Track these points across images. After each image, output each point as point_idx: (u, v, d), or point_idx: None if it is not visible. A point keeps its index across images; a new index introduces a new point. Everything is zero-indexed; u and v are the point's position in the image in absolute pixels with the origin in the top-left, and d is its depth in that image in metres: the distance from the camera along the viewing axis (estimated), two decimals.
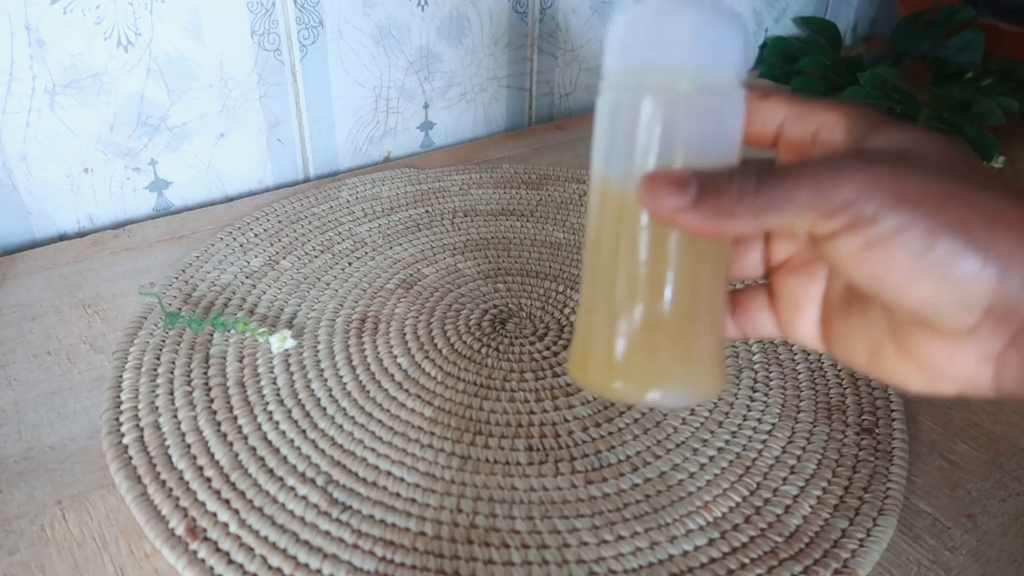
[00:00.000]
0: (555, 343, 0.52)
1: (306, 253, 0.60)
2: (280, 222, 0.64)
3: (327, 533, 0.38)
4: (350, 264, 0.59)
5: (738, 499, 0.41)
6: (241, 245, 0.60)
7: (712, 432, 0.45)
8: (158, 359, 0.48)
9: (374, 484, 0.41)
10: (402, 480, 0.41)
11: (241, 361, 0.49)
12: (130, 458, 0.42)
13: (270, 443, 0.43)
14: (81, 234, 0.65)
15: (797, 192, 0.21)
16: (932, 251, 0.20)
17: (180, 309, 0.53)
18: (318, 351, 0.50)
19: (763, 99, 0.26)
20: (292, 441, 0.43)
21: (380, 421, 0.45)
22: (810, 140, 0.25)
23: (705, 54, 0.24)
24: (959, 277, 0.20)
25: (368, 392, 0.47)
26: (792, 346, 0.52)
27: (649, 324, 0.25)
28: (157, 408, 0.45)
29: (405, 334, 0.52)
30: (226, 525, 0.38)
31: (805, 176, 0.21)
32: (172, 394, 0.46)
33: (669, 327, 0.25)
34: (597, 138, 0.26)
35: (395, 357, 0.50)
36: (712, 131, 0.24)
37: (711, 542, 0.39)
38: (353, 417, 0.45)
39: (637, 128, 0.24)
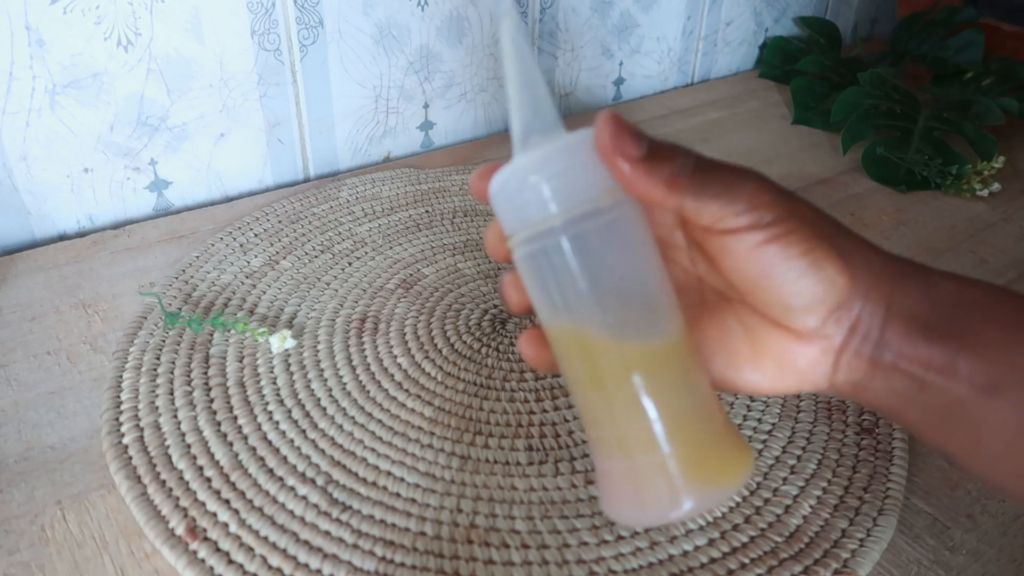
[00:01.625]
0: None
1: (306, 253, 0.60)
2: (280, 222, 0.64)
3: (327, 533, 0.38)
4: (350, 264, 0.59)
5: (738, 499, 0.41)
6: (241, 245, 0.60)
7: None
8: (158, 359, 0.48)
9: (374, 484, 0.41)
10: (402, 480, 0.41)
11: (241, 361, 0.49)
12: (130, 458, 0.42)
13: (270, 443, 0.43)
14: (81, 234, 0.65)
15: (721, 185, 0.25)
16: (811, 253, 0.25)
17: (180, 309, 0.53)
18: (318, 351, 0.50)
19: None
20: (292, 441, 0.43)
21: (380, 421, 0.45)
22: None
23: (566, 190, 0.25)
24: (826, 275, 0.26)
25: (368, 392, 0.47)
26: None
27: (676, 437, 0.25)
28: (157, 408, 0.45)
29: (405, 334, 0.52)
30: (226, 525, 0.38)
31: (728, 176, 0.25)
32: (172, 394, 0.46)
33: (692, 430, 0.25)
34: (531, 294, 0.27)
35: (395, 357, 0.50)
36: (619, 242, 0.25)
37: (711, 542, 0.39)
38: (353, 417, 0.45)
39: (554, 276, 0.25)
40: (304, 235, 0.62)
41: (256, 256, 0.59)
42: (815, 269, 0.25)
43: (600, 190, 0.25)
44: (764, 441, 0.45)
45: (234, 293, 0.55)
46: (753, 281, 0.26)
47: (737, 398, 0.48)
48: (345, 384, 0.48)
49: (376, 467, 0.42)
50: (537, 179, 0.25)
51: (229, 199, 0.70)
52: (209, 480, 0.41)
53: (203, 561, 0.37)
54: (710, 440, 0.26)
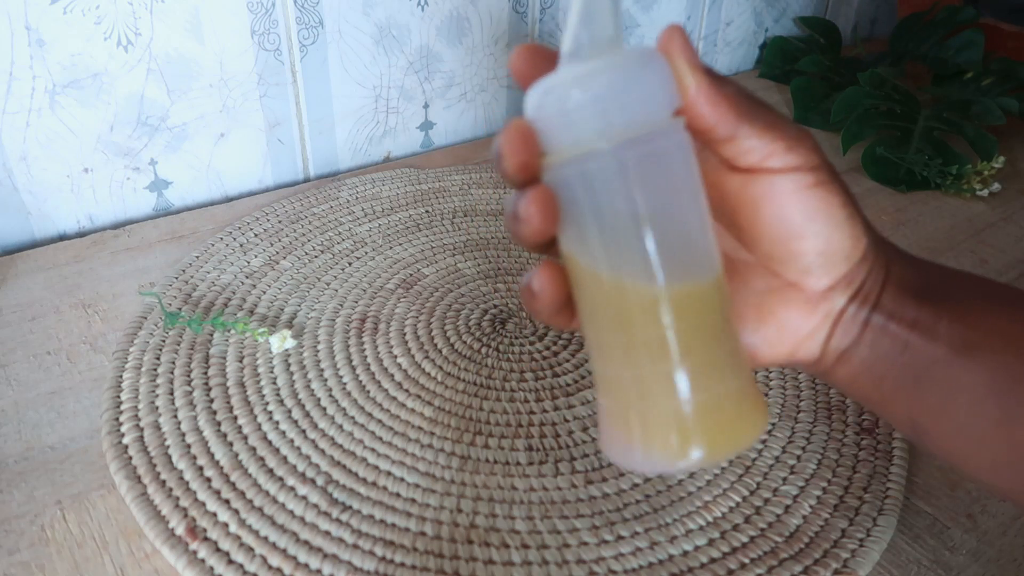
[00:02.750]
0: (555, 343, 0.52)
1: (306, 253, 0.60)
2: (280, 222, 0.64)
3: (327, 533, 0.38)
4: (350, 264, 0.59)
5: (738, 499, 0.41)
6: (241, 245, 0.60)
7: None
8: (158, 359, 0.48)
9: (374, 484, 0.41)
10: (402, 480, 0.41)
11: (241, 361, 0.49)
12: (130, 458, 0.42)
13: (270, 443, 0.43)
14: (81, 234, 0.65)
15: (770, 121, 0.25)
16: (848, 206, 0.26)
17: (180, 309, 0.53)
18: (318, 351, 0.50)
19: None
20: (292, 441, 0.43)
21: (380, 421, 0.45)
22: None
23: (621, 111, 0.23)
24: (856, 231, 0.26)
25: (368, 392, 0.47)
26: None
27: (697, 385, 0.24)
28: (157, 408, 0.45)
29: (405, 334, 0.52)
30: (226, 525, 0.38)
31: (773, 115, 0.26)
32: (172, 394, 0.46)
33: (714, 380, 0.25)
34: (563, 221, 0.25)
35: (395, 357, 0.50)
36: (670, 173, 0.24)
37: (711, 542, 0.39)
38: (353, 417, 0.45)
39: (597, 203, 0.24)
40: (304, 235, 0.62)
41: (256, 256, 0.59)
42: (850, 223, 0.26)
43: (658, 115, 0.24)
44: (764, 441, 0.45)
45: (234, 293, 0.55)
46: (789, 228, 0.26)
47: None
48: (345, 384, 0.48)
49: (376, 467, 0.42)
50: (590, 95, 0.23)
51: (229, 199, 0.70)
52: (209, 480, 0.41)
53: (203, 561, 0.37)
54: (730, 393, 0.25)
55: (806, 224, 0.26)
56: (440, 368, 0.49)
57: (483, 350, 0.51)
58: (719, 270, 0.25)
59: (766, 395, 0.48)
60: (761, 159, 0.25)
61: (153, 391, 0.46)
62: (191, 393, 0.46)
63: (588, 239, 0.24)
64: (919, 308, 0.27)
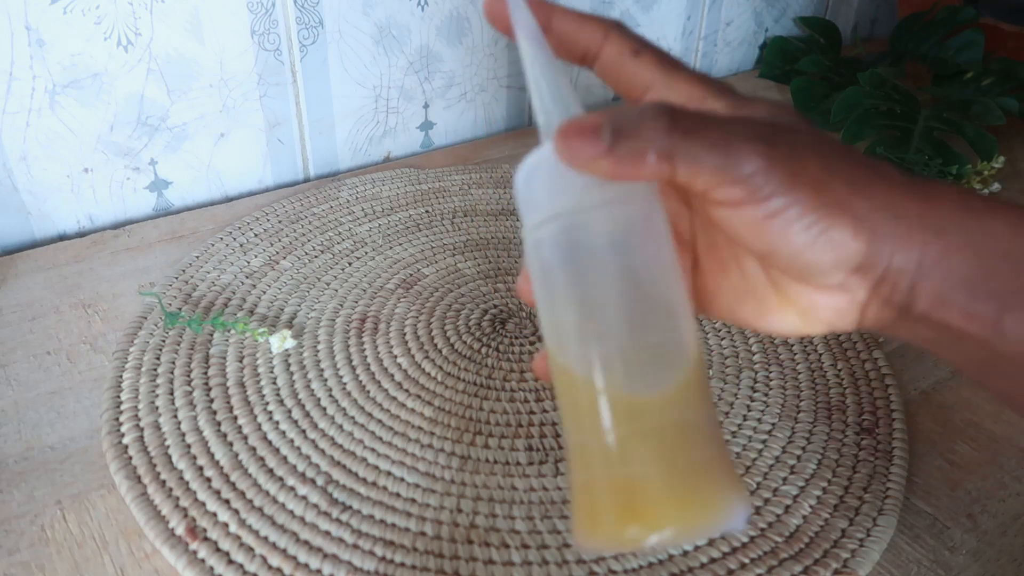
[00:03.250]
0: None
1: (306, 253, 0.60)
2: (280, 222, 0.64)
3: (327, 533, 0.38)
4: (350, 264, 0.59)
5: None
6: (241, 245, 0.60)
7: None
8: (158, 359, 0.48)
9: (374, 484, 0.41)
10: (402, 480, 0.41)
11: (241, 361, 0.49)
12: (130, 458, 0.42)
13: (270, 443, 0.43)
14: (81, 234, 0.65)
15: (712, 149, 0.23)
16: (817, 224, 0.23)
17: (180, 309, 0.53)
18: (318, 351, 0.50)
19: (635, 55, 0.26)
20: (292, 441, 0.43)
21: (380, 421, 0.45)
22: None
23: (566, 184, 0.23)
24: (837, 243, 0.24)
25: (368, 392, 0.47)
26: (792, 346, 0.52)
27: (638, 475, 0.23)
28: (157, 408, 0.45)
29: (405, 334, 0.52)
30: (226, 525, 0.38)
31: (719, 137, 0.23)
32: (172, 394, 0.46)
33: (660, 467, 0.23)
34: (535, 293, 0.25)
35: (395, 357, 0.50)
36: (619, 242, 0.24)
37: (711, 542, 0.39)
38: (353, 417, 0.45)
39: (543, 274, 0.24)
40: (304, 235, 0.62)
41: (256, 256, 0.59)
42: (824, 239, 0.24)
43: (588, 192, 0.23)
44: (764, 441, 0.45)
45: (234, 293, 0.55)
46: (760, 251, 0.25)
47: (737, 398, 0.48)
48: (345, 384, 0.48)
49: (376, 467, 0.42)
50: (523, 177, 0.24)
51: (229, 199, 0.70)
52: (209, 480, 0.41)
53: (203, 561, 0.37)
54: (709, 467, 0.23)
55: (768, 250, 0.24)
56: (440, 368, 0.49)
57: (483, 350, 0.51)
58: (686, 365, 0.23)
59: (766, 395, 0.48)
60: (706, 189, 0.23)
61: (153, 391, 0.46)
62: (191, 393, 0.46)
63: (541, 315, 0.25)
64: (973, 302, 0.24)
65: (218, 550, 0.37)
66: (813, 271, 0.25)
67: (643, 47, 0.26)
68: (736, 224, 0.24)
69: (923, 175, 0.75)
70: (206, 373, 0.48)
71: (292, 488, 0.40)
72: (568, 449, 0.24)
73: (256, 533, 0.38)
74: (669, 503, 0.23)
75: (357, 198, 0.68)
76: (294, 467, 0.42)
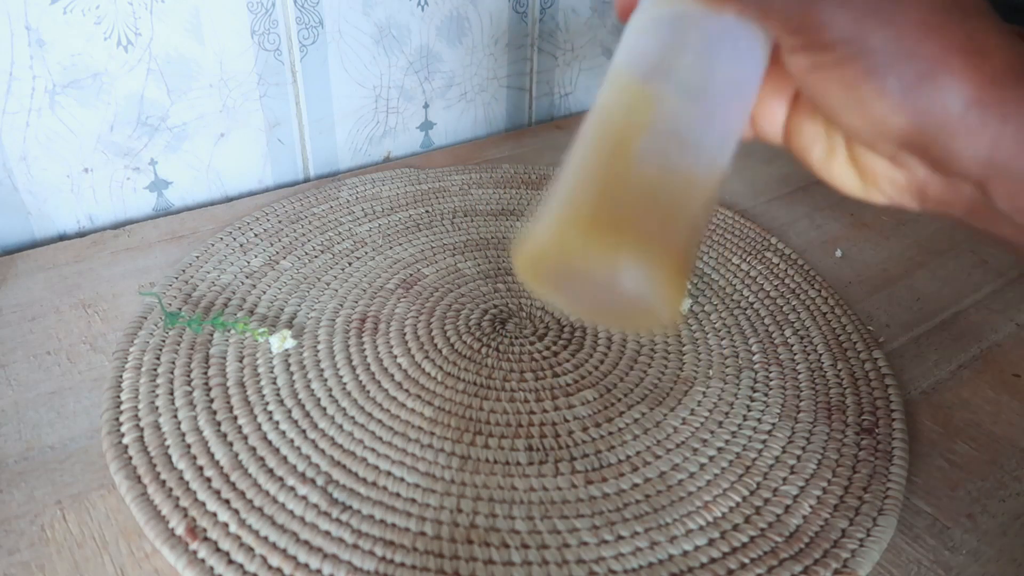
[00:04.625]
0: (555, 343, 0.52)
1: (306, 253, 0.60)
2: (280, 222, 0.64)
3: (327, 533, 0.38)
4: (350, 264, 0.59)
5: (738, 499, 0.41)
6: (241, 245, 0.60)
7: (712, 432, 0.45)
8: (158, 359, 0.48)
9: (374, 484, 0.41)
10: (402, 480, 0.41)
11: (241, 361, 0.49)
12: (130, 458, 0.42)
13: (270, 443, 0.43)
14: (81, 234, 0.65)
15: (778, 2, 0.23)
16: (861, 86, 0.22)
17: (180, 309, 0.53)
18: (318, 351, 0.50)
19: None
20: (292, 441, 0.43)
21: (380, 421, 0.45)
22: None
23: None
24: (879, 114, 0.22)
25: (368, 392, 0.47)
26: (792, 346, 0.52)
27: (632, 197, 0.24)
28: (157, 408, 0.45)
29: (405, 334, 0.52)
30: (226, 525, 0.38)
31: None
32: (172, 394, 0.46)
33: (650, 198, 0.24)
34: (628, 36, 0.26)
35: (395, 357, 0.50)
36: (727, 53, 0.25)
37: (711, 542, 0.39)
38: (353, 417, 0.45)
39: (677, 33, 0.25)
40: (304, 235, 0.62)
41: (256, 256, 0.59)
42: (862, 108, 0.22)
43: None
44: (764, 441, 0.45)
45: (234, 293, 0.55)
46: (813, 102, 0.24)
47: (737, 398, 0.48)
48: (345, 384, 0.48)
49: (376, 467, 0.42)
50: None
51: (229, 199, 0.70)
52: (209, 480, 0.41)
53: (203, 561, 0.37)
54: (678, 251, 0.24)
55: (818, 105, 0.24)
56: (440, 368, 0.49)
57: (483, 350, 0.51)
58: (717, 163, 0.25)
59: (766, 395, 0.48)
60: (776, 35, 0.24)
61: (153, 391, 0.46)
62: (191, 393, 0.46)
63: (629, 39, 0.26)
64: None
65: (218, 550, 0.37)
66: (854, 134, 0.24)
67: None
68: (791, 66, 0.24)
69: None
70: (206, 373, 0.48)
71: (292, 488, 0.40)
72: (564, 168, 0.26)
73: (256, 533, 0.38)
74: (625, 239, 0.24)
75: (357, 198, 0.68)
76: (294, 467, 0.42)
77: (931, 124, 0.22)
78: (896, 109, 0.22)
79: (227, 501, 0.40)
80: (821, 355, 0.52)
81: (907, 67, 0.21)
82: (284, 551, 0.37)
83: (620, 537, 0.39)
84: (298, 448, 0.43)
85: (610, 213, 0.24)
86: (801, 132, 0.28)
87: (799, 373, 0.50)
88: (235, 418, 0.45)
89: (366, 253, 0.60)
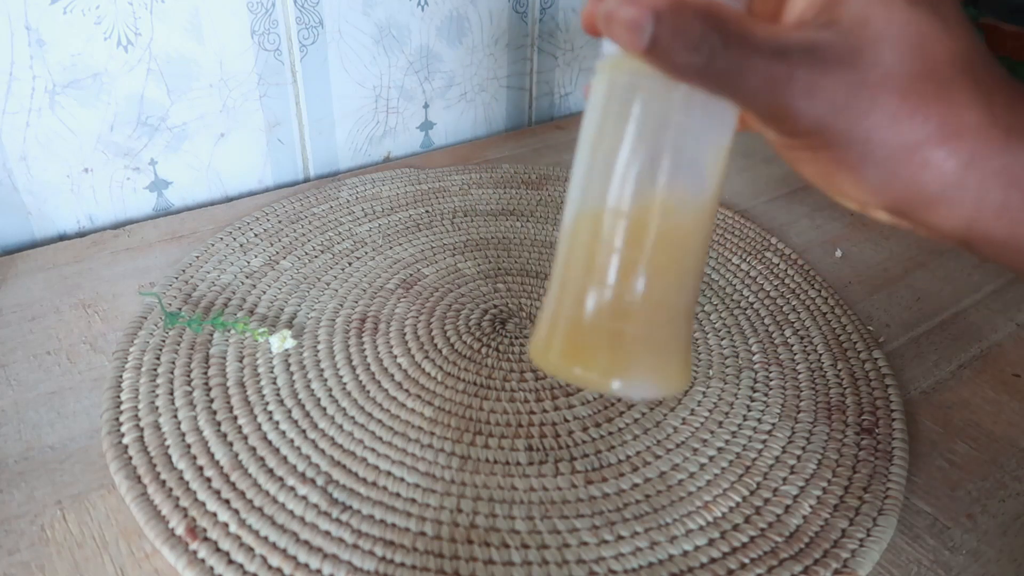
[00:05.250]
0: None
1: (306, 253, 0.60)
2: (280, 222, 0.64)
3: (327, 533, 0.38)
4: (350, 264, 0.59)
5: (738, 499, 0.41)
6: (241, 245, 0.60)
7: (712, 432, 0.45)
8: (158, 359, 0.48)
9: (374, 484, 0.41)
10: (402, 480, 0.41)
11: (241, 361, 0.49)
12: (130, 458, 0.42)
13: (270, 443, 0.43)
14: (81, 234, 0.65)
15: (745, 84, 0.21)
16: (835, 175, 0.22)
17: (180, 309, 0.53)
18: (318, 351, 0.50)
19: None
20: (292, 441, 0.43)
21: (380, 421, 0.45)
22: None
23: None
24: (854, 197, 0.23)
25: (368, 392, 0.47)
26: (792, 346, 0.52)
27: (617, 311, 0.24)
28: (157, 408, 0.45)
29: (405, 334, 0.52)
30: (226, 525, 0.38)
31: (756, 70, 0.21)
32: (172, 394, 0.46)
33: (638, 316, 0.24)
34: (585, 122, 0.25)
35: (395, 357, 0.50)
36: (702, 116, 0.24)
37: (711, 542, 0.39)
38: (353, 417, 0.45)
39: (628, 112, 0.24)
40: (304, 235, 0.62)
41: (256, 256, 0.59)
42: (837, 190, 0.23)
43: None
44: (764, 441, 0.45)
45: (234, 293, 0.55)
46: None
47: (737, 398, 0.48)
48: (345, 384, 0.48)
49: (376, 467, 0.42)
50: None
51: (229, 199, 0.70)
52: (209, 480, 0.41)
53: (203, 561, 0.37)
54: (675, 339, 0.25)
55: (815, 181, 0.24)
56: (440, 368, 0.49)
57: (483, 350, 0.51)
58: (698, 207, 0.24)
59: (766, 395, 0.48)
60: (744, 113, 0.23)
61: (153, 391, 0.46)
62: (191, 393, 0.46)
63: (581, 152, 0.25)
64: None
65: (218, 550, 0.37)
66: (836, 199, 0.24)
67: None
68: (768, 138, 0.24)
69: None
70: (206, 373, 0.48)
71: (292, 488, 0.40)
72: (552, 279, 0.26)
73: (256, 533, 0.38)
74: (621, 361, 0.24)
75: (357, 198, 0.68)
76: (294, 467, 0.42)
77: (906, 205, 0.22)
78: (871, 193, 0.22)
79: (227, 501, 0.40)
80: (821, 355, 0.52)
81: (879, 158, 0.21)
82: (284, 551, 0.37)
83: (620, 537, 0.39)
84: (298, 448, 0.43)
85: (596, 336, 0.25)
86: (797, 156, 0.27)
87: (799, 373, 0.50)
88: (235, 418, 0.45)
89: (366, 253, 0.60)
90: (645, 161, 0.24)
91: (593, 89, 0.25)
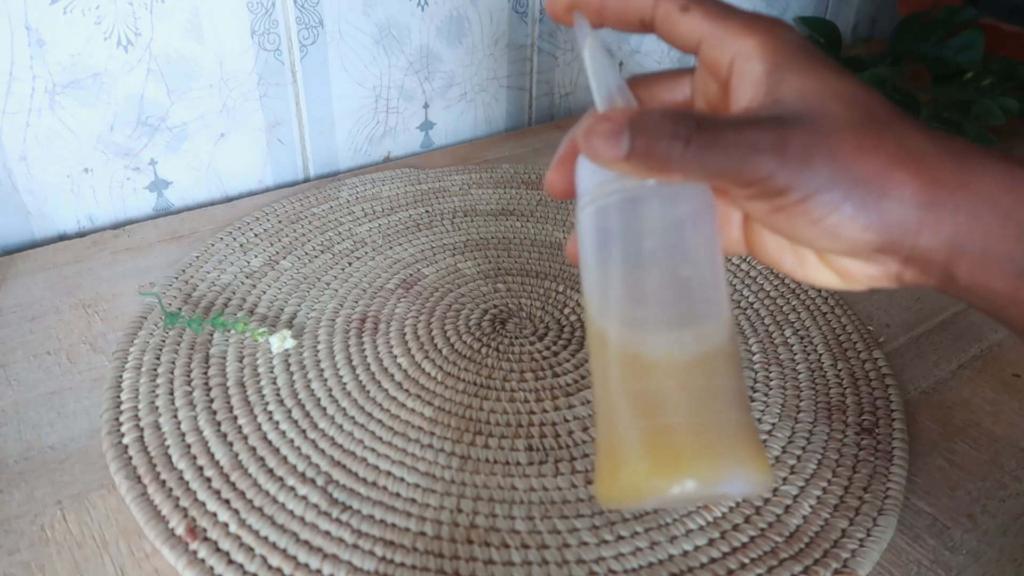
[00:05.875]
0: (555, 343, 0.52)
1: (306, 253, 0.60)
2: (280, 222, 0.64)
3: (327, 533, 0.38)
4: (350, 264, 0.59)
5: (738, 499, 0.41)
6: (241, 245, 0.60)
7: None
8: (158, 359, 0.48)
9: (374, 484, 0.41)
10: (402, 480, 0.41)
11: (241, 361, 0.49)
12: (130, 458, 0.42)
13: (270, 443, 0.43)
14: (81, 234, 0.65)
15: (719, 160, 0.23)
16: (826, 220, 0.24)
17: (180, 309, 0.53)
18: (318, 351, 0.50)
19: (684, 11, 0.26)
20: (292, 441, 0.43)
21: (380, 421, 0.45)
22: (727, 65, 0.26)
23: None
24: (848, 237, 0.24)
25: (368, 392, 0.47)
26: (792, 346, 0.52)
27: (663, 427, 0.24)
28: (157, 408, 0.45)
29: (405, 334, 0.52)
30: (226, 525, 0.38)
31: (727, 147, 0.23)
32: (172, 394, 0.46)
33: (685, 420, 0.24)
34: (584, 256, 0.27)
35: (395, 357, 0.50)
36: (679, 229, 0.25)
37: (711, 542, 0.39)
38: (353, 417, 0.45)
39: (607, 240, 0.25)
40: (304, 235, 0.62)
41: (256, 256, 0.59)
42: (830, 232, 0.24)
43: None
44: (764, 441, 0.45)
45: (234, 293, 0.55)
46: (776, 233, 0.26)
47: None
48: (345, 384, 0.48)
49: (376, 467, 0.42)
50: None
51: (229, 199, 0.70)
52: (209, 480, 0.41)
53: (203, 561, 0.37)
54: (734, 430, 0.24)
55: (785, 236, 0.26)
56: (440, 368, 0.49)
57: (483, 350, 0.51)
58: (718, 334, 0.25)
59: (766, 395, 0.48)
60: (723, 189, 0.25)
61: (153, 391, 0.46)
62: (191, 393, 0.46)
63: (585, 278, 0.26)
64: (1018, 280, 0.24)
65: (218, 550, 0.37)
66: (828, 253, 0.26)
67: (692, 1, 0.26)
68: (750, 211, 0.25)
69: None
70: (206, 373, 0.48)
71: (292, 488, 0.40)
72: (596, 409, 0.26)
73: (256, 533, 0.38)
74: (691, 457, 0.24)
75: (357, 198, 0.68)
76: (294, 467, 0.42)
77: (896, 231, 0.24)
78: (863, 229, 0.24)
79: (227, 501, 0.40)
80: (821, 355, 0.52)
81: (859, 191, 0.24)
82: (284, 551, 0.37)
83: (620, 537, 0.39)
84: (298, 448, 0.43)
85: (661, 448, 0.24)
86: (765, 247, 0.29)
87: (799, 373, 0.50)
88: (235, 418, 0.45)
89: (366, 253, 0.60)
90: (656, 289, 0.25)
91: (581, 228, 0.26)
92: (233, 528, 0.38)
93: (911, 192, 0.24)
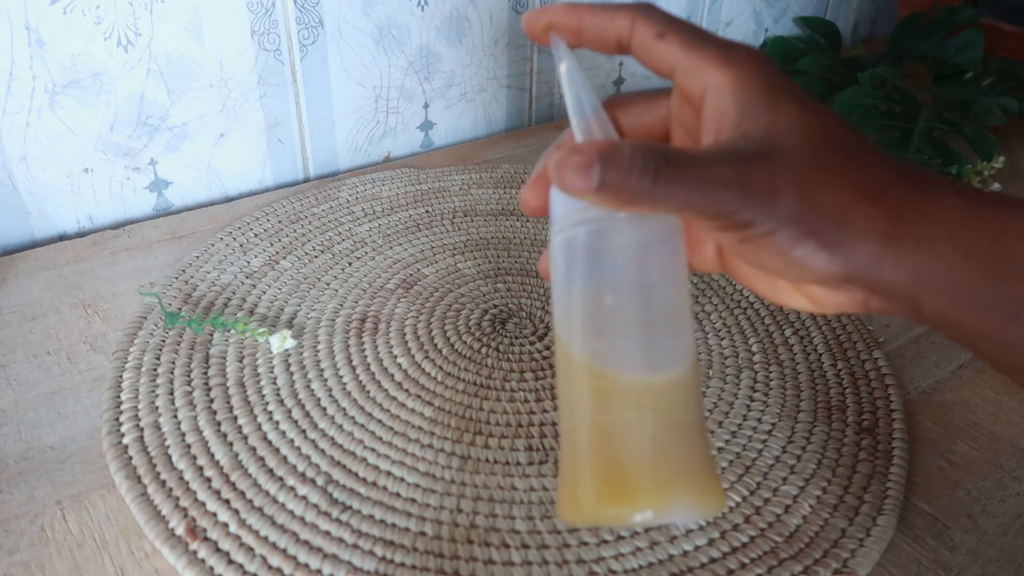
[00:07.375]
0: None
1: (306, 253, 0.60)
2: (280, 222, 0.64)
3: (327, 533, 0.38)
4: (350, 264, 0.59)
5: (738, 499, 0.41)
6: (241, 245, 0.60)
7: (712, 432, 0.45)
8: (158, 359, 0.48)
9: (374, 484, 0.41)
10: (402, 480, 0.41)
11: (241, 361, 0.49)
12: (130, 458, 0.42)
13: (270, 443, 0.43)
14: (81, 234, 0.65)
15: (686, 194, 0.24)
16: (791, 252, 0.24)
17: (180, 309, 0.53)
18: (318, 351, 0.50)
19: (659, 38, 0.26)
20: (292, 441, 0.43)
21: (380, 421, 0.45)
22: (699, 95, 0.26)
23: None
24: (814, 269, 0.25)
25: (368, 392, 0.47)
26: (792, 346, 0.52)
27: (619, 460, 0.25)
28: (157, 408, 0.45)
29: (405, 334, 0.52)
30: (226, 525, 0.38)
31: (694, 182, 0.24)
32: (172, 394, 0.46)
33: (640, 454, 0.25)
34: (555, 281, 0.27)
35: (395, 357, 0.50)
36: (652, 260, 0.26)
37: (711, 542, 0.39)
38: (353, 417, 0.45)
39: (572, 264, 0.26)
40: (304, 235, 0.62)
41: (256, 256, 0.59)
42: (797, 263, 0.25)
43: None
44: (764, 441, 0.45)
45: (234, 293, 0.55)
46: (745, 261, 0.27)
47: (737, 398, 0.48)
48: (345, 384, 0.48)
49: (376, 467, 0.42)
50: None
51: (229, 199, 0.70)
52: (209, 480, 0.41)
53: (203, 561, 0.37)
54: (691, 460, 0.26)
55: (754, 265, 0.26)
56: (440, 368, 0.49)
57: (483, 350, 0.51)
58: (681, 364, 0.26)
59: (766, 395, 0.48)
60: (689, 219, 0.26)
61: (153, 391, 0.46)
62: (191, 393, 0.46)
63: (555, 301, 0.27)
64: (984, 307, 0.24)
65: (218, 550, 0.37)
66: (796, 282, 0.27)
67: (668, 28, 0.26)
68: (719, 241, 0.26)
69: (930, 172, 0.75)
70: (206, 373, 0.48)
71: (292, 488, 0.40)
72: (561, 427, 0.27)
73: (256, 533, 0.38)
74: (645, 490, 0.25)
75: (357, 198, 0.68)
76: (294, 467, 0.42)
77: (860, 264, 0.24)
78: (827, 262, 0.24)
79: (227, 501, 0.40)
80: (821, 355, 0.52)
81: (824, 225, 0.24)
82: (284, 551, 0.37)
83: (620, 537, 0.39)
84: (298, 448, 0.43)
85: (615, 480, 0.25)
86: (740, 269, 0.29)
87: (799, 373, 0.50)
88: (235, 418, 0.45)
89: (366, 253, 0.60)
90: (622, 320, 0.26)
91: (553, 253, 0.27)
92: (233, 528, 0.38)
93: (874, 226, 0.24)
